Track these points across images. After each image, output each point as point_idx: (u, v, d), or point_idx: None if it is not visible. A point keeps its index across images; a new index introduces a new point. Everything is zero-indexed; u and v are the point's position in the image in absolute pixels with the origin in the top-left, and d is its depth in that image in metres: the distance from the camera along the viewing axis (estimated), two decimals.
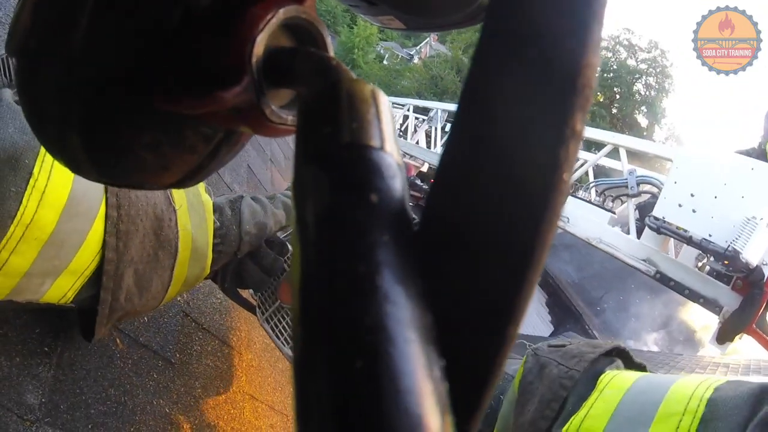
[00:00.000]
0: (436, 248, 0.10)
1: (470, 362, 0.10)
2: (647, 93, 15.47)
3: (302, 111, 0.13)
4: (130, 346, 0.80)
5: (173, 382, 0.87)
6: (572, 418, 0.47)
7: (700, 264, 2.37)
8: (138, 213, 0.59)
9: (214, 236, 0.74)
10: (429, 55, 17.13)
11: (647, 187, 2.71)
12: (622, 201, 3.07)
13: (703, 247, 2.13)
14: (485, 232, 0.10)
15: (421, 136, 4.86)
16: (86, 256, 0.55)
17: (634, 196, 2.65)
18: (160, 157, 0.20)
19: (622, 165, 2.74)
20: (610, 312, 7.66)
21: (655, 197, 2.54)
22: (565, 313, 7.12)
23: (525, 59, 0.10)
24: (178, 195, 0.66)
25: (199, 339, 1.02)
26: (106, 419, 0.69)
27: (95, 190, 0.55)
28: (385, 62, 17.14)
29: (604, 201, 3.41)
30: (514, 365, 0.59)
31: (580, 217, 2.73)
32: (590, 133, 2.86)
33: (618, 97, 15.24)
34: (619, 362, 0.55)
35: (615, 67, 15.12)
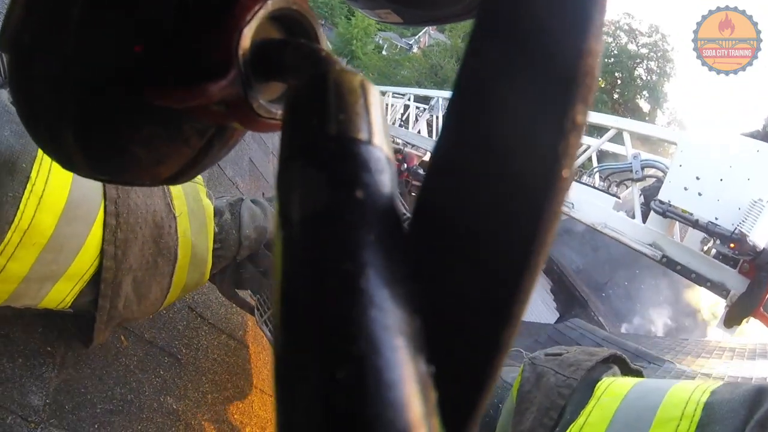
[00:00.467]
0: (428, 247, 0.10)
1: (464, 368, 0.09)
2: (648, 78, 15.33)
3: (288, 102, 0.13)
4: (135, 343, 0.80)
5: (180, 377, 0.87)
6: (570, 426, 0.47)
7: (705, 248, 2.36)
8: (137, 221, 0.59)
9: (214, 241, 0.74)
10: (428, 45, 17.01)
11: (652, 171, 2.70)
12: (626, 185, 3.06)
13: (710, 230, 2.12)
14: (480, 231, 0.09)
15: (423, 126, 4.87)
16: (85, 261, 0.55)
17: (638, 180, 2.63)
18: (154, 152, 0.20)
19: (626, 149, 2.72)
20: (616, 298, 7.67)
21: (659, 181, 2.53)
22: (570, 300, 7.14)
23: (521, 47, 0.10)
24: (179, 201, 0.66)
25: (206, 334, 1.02)
26: (113, 418, 0.69)
27: (94, 192, 0.54)
28: (384, 52, 17.06)
29: (608, 186, 3.40)
30: (512, 373, 0.60)
31: (585, 203, 2.72)
32: (593, 117, 2.84)
33: (619, 82, 15.11)
34: (615, 369, 0.55)
35: (615, 52, 14.96)
